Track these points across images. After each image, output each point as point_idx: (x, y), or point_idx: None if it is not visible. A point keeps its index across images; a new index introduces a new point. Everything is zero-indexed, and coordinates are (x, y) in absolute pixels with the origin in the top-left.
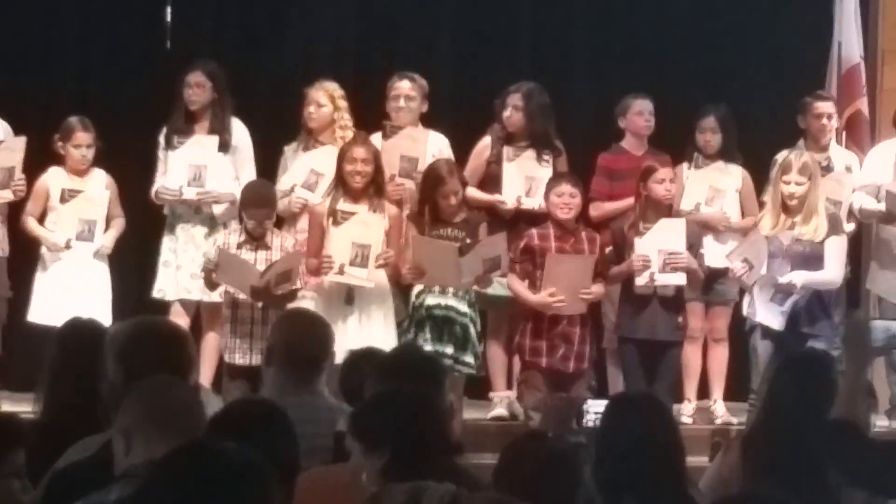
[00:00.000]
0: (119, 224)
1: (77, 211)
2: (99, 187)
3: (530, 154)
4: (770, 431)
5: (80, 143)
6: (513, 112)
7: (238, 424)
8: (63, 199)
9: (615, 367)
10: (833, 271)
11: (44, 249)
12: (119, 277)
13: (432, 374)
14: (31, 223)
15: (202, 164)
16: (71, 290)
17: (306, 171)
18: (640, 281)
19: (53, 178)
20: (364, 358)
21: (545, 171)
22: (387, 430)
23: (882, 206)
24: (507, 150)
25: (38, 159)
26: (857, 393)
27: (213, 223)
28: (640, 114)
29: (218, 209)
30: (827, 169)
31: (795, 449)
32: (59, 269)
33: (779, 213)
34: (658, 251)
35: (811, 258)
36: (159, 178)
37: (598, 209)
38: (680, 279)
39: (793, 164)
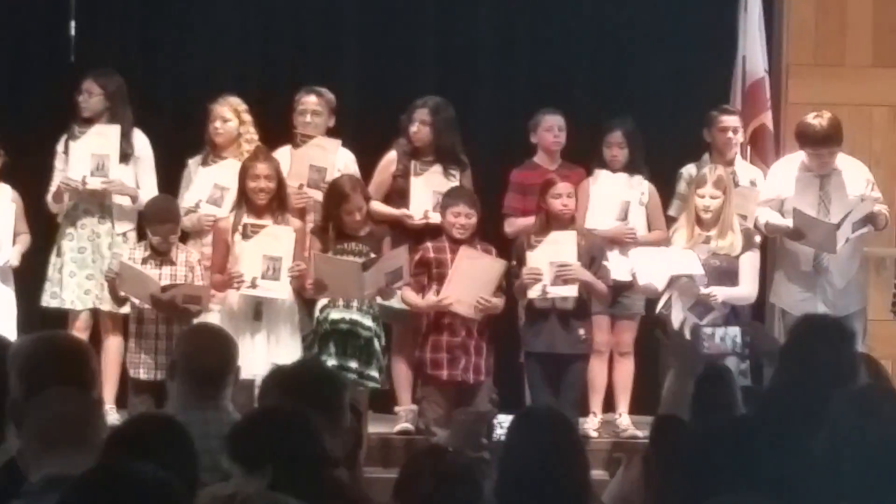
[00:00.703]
0: (25, 240)
1: None
2: (4, 201)
3: (437, 169)
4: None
5: None
6: (420, 127)
7: (136, 440)
8: None
9: None
10: (748, 287)
11: None
12: (22, 293)
13: (333, 388)
14: None
15: (105, 153)
16: None
17: (209, 186)
18: (532, 294)
19: None
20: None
21: (452, 186)
22: (266, 449)
23: (789, 223)
24: (414, 165)
25: None
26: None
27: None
28: (549, 129)
29: (121, 200)
30: (732, 183)
31: (695, 463)
32: None
33: (693, 227)
34: (549, 263)
35: (727, 273)
36: (55, 183)
37: (511, 225)
38: (571, 291)
39: (707, 178)
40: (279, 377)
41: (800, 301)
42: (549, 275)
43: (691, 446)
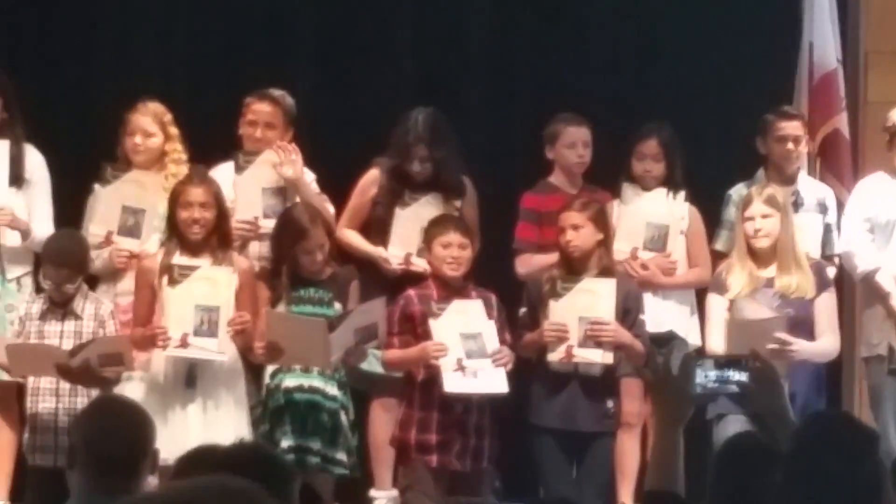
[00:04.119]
0: None
1: None
2: None
3: (431, 199)
4: None
5: None
6: (421, 165)
7: None
8: None
9: None
10: (831, 339)
11: None
12: None
13: (277, 477)
14: None
15: None
16: None
17: (116, 210)
18: (554, 356)
19: None
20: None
21: None
22: None
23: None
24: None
25: None
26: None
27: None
28: (572, 146)
29: (11, 238)
30: (795, 206)
31: None
32: None
33: (747, 265)
34: (579, 319)
35: (802, 324)
36: None
37: (525, 264)
38: (605, 357)
39: (754, 197)
40: (203, 461)
41: None
42: (577, 333)
43: None
